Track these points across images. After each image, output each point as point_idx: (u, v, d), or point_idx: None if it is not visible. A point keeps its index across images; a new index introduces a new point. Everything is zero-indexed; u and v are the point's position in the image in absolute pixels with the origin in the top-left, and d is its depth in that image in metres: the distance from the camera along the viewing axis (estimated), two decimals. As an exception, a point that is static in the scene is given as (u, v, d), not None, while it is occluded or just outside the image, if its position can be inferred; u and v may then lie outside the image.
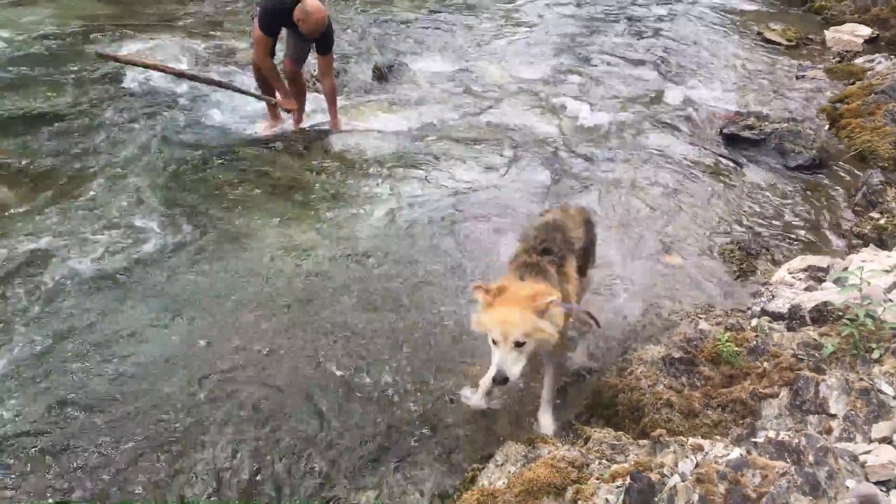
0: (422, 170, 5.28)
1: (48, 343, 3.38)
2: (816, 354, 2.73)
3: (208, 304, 3.72)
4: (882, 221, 4.64)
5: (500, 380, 2.51)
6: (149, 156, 5.10)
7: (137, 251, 4.09)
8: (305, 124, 5.80)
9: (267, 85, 5.63)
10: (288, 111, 5.69)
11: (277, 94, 5.63)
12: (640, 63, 7.80)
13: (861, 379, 2.59)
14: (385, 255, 4.22)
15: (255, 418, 3.06)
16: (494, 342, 2.55)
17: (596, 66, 7.67)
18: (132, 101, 5.82)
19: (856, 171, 5.69)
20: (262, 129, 5.71)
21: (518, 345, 2.52)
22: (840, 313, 2.88)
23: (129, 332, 3.50)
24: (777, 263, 4.44)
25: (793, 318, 3.13)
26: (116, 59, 5.61)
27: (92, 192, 4.58)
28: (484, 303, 2.59)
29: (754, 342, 2.88)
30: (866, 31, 8.74)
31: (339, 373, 3.35)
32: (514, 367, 2.52)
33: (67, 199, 4.48)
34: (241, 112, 5.90)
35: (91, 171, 4.83)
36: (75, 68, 6.27)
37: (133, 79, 6.13)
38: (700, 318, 3.67)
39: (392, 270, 4.10)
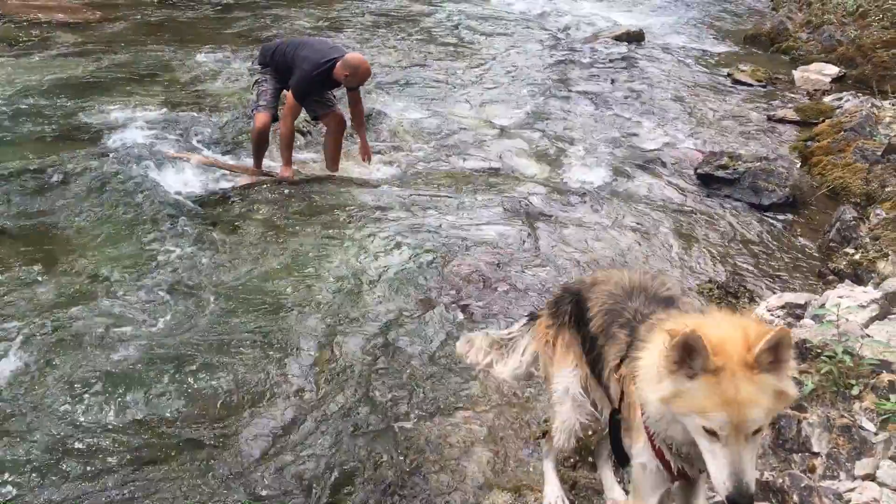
0: (405, 217, 5.30)
1: None
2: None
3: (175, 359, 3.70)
4: (857, 256, 4.70)
5: (744, 496, 1.60)
6: (127, 213, 5.08)
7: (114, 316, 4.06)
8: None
9: (262, 151, 5.80)
10: (285, 180, 5.72)
11: (259, 163, 5.86)
12: (614, 105, 7.92)
13: (842, 416, 2.61)
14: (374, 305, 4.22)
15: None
16: (711, 432, 1.63)
17: (570, 108, 7.78)
18: (110, 159, 5.80)
19: (829, 207, 5.79)
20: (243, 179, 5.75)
21: (757, 431, 1.64)
22: (818, 350, 2.91)
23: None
24: (755, 301, 4.49)
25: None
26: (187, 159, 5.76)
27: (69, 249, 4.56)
28: (704, 366, 1.62)
29: (735, 382, 2.89)
30: (833, 69, 8.95)
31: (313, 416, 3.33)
32: (753, 468, 1.65)
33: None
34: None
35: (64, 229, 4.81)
36: (56, 126, 6.26)
37: (114, 138, 6.09)
38: (682, 357, 3.69)
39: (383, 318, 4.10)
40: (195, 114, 6.76)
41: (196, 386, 3.51)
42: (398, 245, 4.85)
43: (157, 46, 8.60)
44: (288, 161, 5.75)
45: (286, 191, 5.58)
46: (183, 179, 5.61)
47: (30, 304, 4.00)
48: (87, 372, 3.52)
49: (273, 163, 5.93)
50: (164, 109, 6.75)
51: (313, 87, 5.62)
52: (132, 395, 3.41)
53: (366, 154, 6.00)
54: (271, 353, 3.76)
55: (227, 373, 3.59)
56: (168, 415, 3.33)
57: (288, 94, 5.63)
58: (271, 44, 5.94)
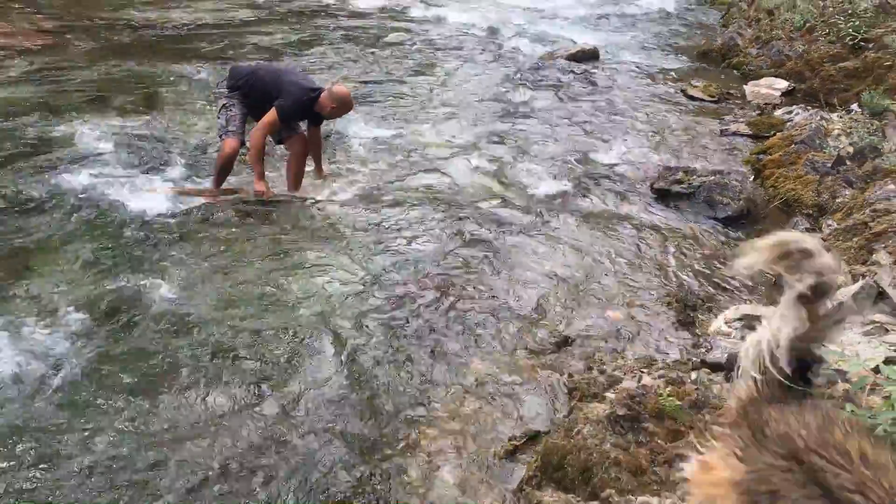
0: (366, 237, 5.29)
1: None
2: (755, 404, 2.78)
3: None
4: (810, 267, 4.78)
5: None
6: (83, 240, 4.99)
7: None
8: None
9: (225, 176, 5.76)
10: (260, 194, 5.72)
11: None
12: (570, 122, 8.01)
13: (800, 426, 2.64)
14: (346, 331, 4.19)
15: None
16: None
17: (527, 126, 7.84)
18: (67, 180, 5.71)
19: (783, 218, 5.90)
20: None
21: None
22: (775, 362, 2.94)
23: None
24: (714, 313, 4.55)
25: (731, 368, 3.19)
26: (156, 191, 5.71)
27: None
28: None
29: (695, 395, 2.92)
30: (783, 83, 9.15)
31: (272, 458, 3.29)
32: None
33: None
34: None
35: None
36: (9, 149, 6.15)
37: (71, 160, 6.01)
38: (643, 372, 3.73)
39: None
40: (157, 135, 6.71)
41: (138, 418, 3.44)
42: (360, 265, 4.84)
43: (116, 69, 8.52)
44: (261, 175, 5.74)
45: (246, 212, 5.53)
46: (140, 200, 5.55)
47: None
48: (28, 408, 3.44)
49: (233, 178, 5.91)
50: (125, 132, 6.68)
51: (298, 113, 5.74)
52: (67, 436, 3.34)
53: (320, 174, 6.18)
54: (230, 378, 3.71)
55: (179, 400, 3.53)
56: (117, 452, 3.27)
57: (270, 113, 5.60)
58: (242, 67, 5.92)
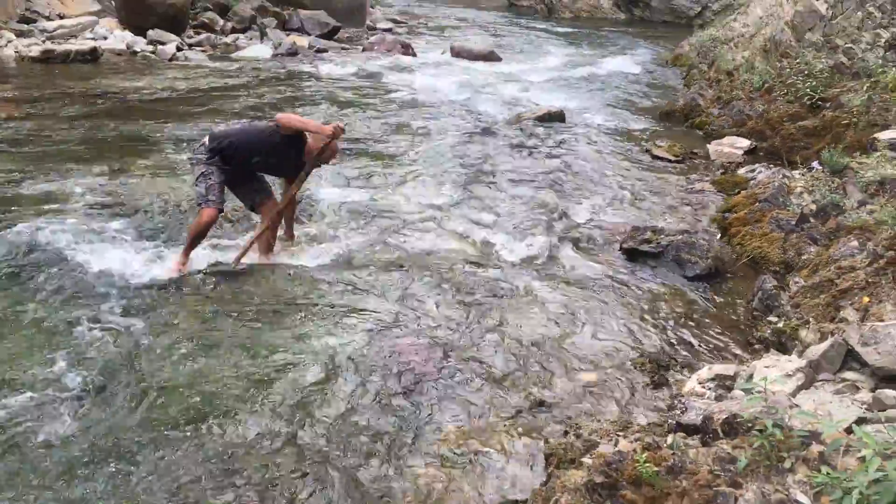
0: (340, 303, 5.24)
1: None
2: (732, 468, 2.78)
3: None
4: (780, 325, 4.84)
5: None
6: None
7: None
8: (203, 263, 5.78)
9: (197, 244, 5.72)
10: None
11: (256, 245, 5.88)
12: (539, 183, 8.10)
13: (777, 490, 2.64)
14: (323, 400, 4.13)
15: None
16: None
17: (497, 188, 7.93)
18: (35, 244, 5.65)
19: (751, 276, 5.98)
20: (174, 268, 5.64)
21: None
22: (749, 425, 2.95)
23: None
24: (687, 373, 4.57)
25: (706, 431, 3.19)
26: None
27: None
28: None
29: (672, 460, 2.91)
30: (745, 142, 9.38)
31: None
32: None
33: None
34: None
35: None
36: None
37: (41, 226, 5.95)
38: (619, 435, 3.71)
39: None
40: (128, 200, 6.72)
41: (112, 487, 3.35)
42: (331, 332, 4.80)
43: (85, 136, 8.54)
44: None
45: (217, 282, 5.47)
46: (111, 266, 5.52)
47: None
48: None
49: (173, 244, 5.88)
50: (96, 197, 6.67)
51: (290, 164, 5.79)
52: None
53: (291, 238, 6.21)
54: (196, 450, 3.63)
55: (151, 468, 3.44)
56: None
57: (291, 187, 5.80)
58: (219, 132, 5.83)
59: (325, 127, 5.71)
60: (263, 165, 5.87)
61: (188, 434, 3.76)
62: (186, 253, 5.68)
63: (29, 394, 3.99)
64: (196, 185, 5.65)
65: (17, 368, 4.22)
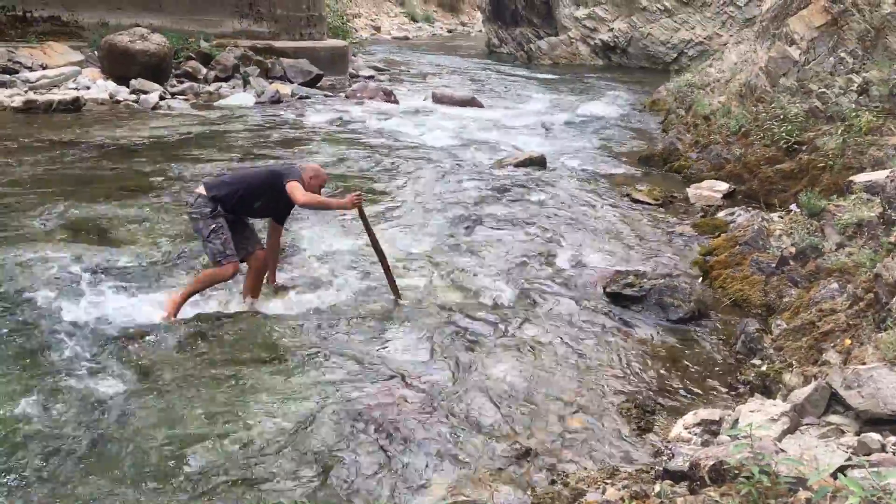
0: (324, 353, 5.21)
1: None
2: (720, 517, 2.76)
3: None
4: (764, 368, 4.86)
5: None
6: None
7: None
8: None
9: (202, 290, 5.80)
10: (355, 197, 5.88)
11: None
12: (521, 229, 8.16)
13: (765, 538, 2.63)
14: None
15: None
16: None
17: (481, 234, 7.97)
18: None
19: (734, 319, 6.02)
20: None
21: None
22: (736, 472, 2.95)
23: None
24: (673, 418, 4.56)
25: (693, 478, 3.18)
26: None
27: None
28: None
29: (660, 509, 2.89)
30: (724, 186, 9.51)
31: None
32: None
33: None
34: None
35: None
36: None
37: (25, 280, 5.90)
38: (606, 483, 3.69)
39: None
40: (108, 248, 6.68)
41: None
42: (315, 381, 4.76)
43: (65, 184, 8.50)
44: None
45: (202, 327, 5.42)
46: (91, 313, 5.50)
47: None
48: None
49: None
50: (83, 252, 6.62)
51: (287, 204, 5.78)
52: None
53: (274, 282, 6.22)
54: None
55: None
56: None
57: (292, 187, 5.56)
58: (213, 181, 5.81)
59: (346, 202, 5.81)
60: (263, 210, 5.93)
61: (156, 487, 3.70)
62: (185, 299, 5.64)
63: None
64: (209, 242, 5.57)
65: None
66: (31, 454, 3.90)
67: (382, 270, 6.13)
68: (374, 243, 6.10)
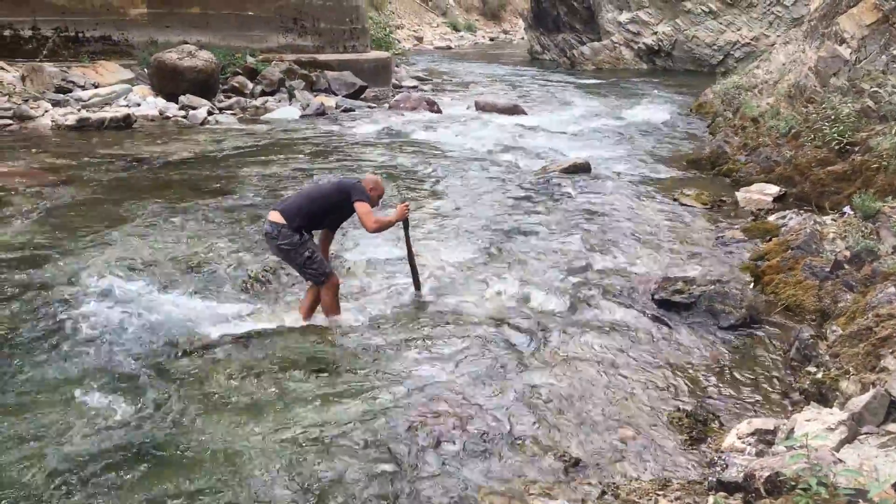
0: (369, 367, 5.23)
1: None
2: (777, 530, 2.70)
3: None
4: (819, 375, 4.73)
5: None
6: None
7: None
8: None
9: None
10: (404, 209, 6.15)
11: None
12: (568, 236, 8.09)
13: (825, 552, 2.56)
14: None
15: None
16: None
17: (527, 242, 7.92)
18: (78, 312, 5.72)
19: (787, 325, 5.88)
20: None
21: None
22: (793, 483, 2.88)
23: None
24: (726, 427, 4.47)
25: (748, 489, 3.12)
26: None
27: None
28: None
29: (714, 522, 2.83)
30: (774, 189, 9.33)
31: None
32: None
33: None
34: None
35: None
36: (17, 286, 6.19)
37: (86, 295, 6.05)
38: (658, 495, 3.64)
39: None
40: (173, 266, 6.84)
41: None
42: (362, 395, 4.77)
43: (122, 205, 8.69)
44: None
45: (251, 342, 5.48)
46: (147, 321, 5.65)
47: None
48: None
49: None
50: (140, 264, 6.79)
51: (348, 214, 5.96)
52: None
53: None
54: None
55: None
56: None
57: (360, 206, 5.70)
58: (289, 208, 5.76)
59: (399, 214, 6.05)
60: (329, 224, 6.09)
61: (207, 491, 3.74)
62: (338, 310, 5.95)
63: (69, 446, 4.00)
64: (307, 268, 5.74)
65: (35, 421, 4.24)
66: (82, 459, 3.98)
67: (409, 268, 6.42)
68: (408, 245, 6.35)
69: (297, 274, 6.09)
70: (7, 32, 15.64)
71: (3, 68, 14.35)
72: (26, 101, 13.54)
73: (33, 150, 11.35)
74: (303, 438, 4.27)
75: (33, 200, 8.68)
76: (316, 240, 6.05)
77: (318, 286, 5.85)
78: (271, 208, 6.00)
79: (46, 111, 13.47)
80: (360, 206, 5.71)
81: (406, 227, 6.27)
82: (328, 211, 5.87)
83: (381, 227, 5.94)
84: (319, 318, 5.96)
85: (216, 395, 4.76)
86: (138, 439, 4.24)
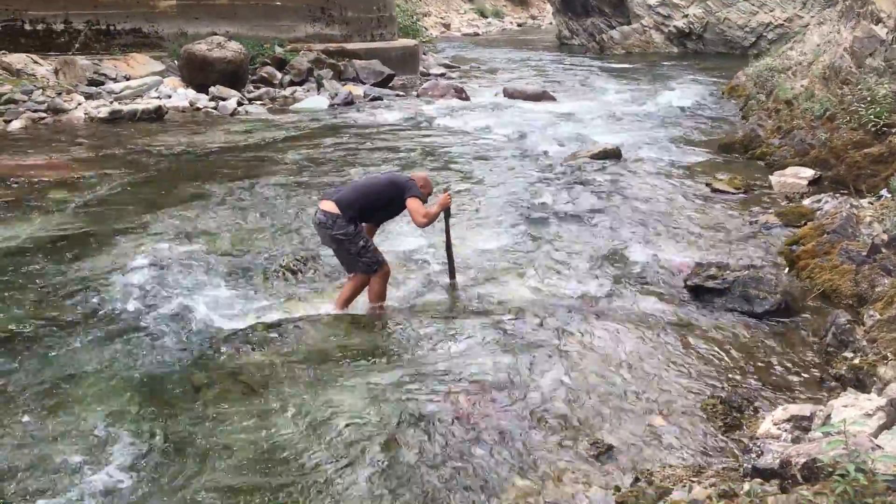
0: (401, 355, 5.25)
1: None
2: (814, 517, 2.67)
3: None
4: (856, 361, 4.67)
5: None
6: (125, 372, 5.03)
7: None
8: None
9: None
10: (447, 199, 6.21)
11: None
12: (598, 222, 8.05)
13: (863, 539, 2.53)
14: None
15: None
16: None
17: (555, 228, 7.89)
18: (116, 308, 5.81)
19: (823, 310, 5.79)
20: None
21: None
22: (830, 469, 2.84)
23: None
24: (760, 414, 4.42)
25: (784, 476, 3.08)
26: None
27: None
28: None
29: (750, 509, 2.81)
30: (809, 172, 9.17)
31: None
32: None
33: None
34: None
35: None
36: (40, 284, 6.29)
37: (121, 287, 6.14)
38: (693, 481, 3.60)
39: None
40: (212, 257, 6.91)
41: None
42: (393, 383, 4.78)
43: (157, 196, 8.80)
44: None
45: (290, 331, 5.53)
46: (185, 311, 5.73)
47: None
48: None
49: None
50: (177, 256, 6.87)
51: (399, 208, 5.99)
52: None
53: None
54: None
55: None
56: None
57: (412, 202, 5.76)
58: (344, 199, 5.76)
59: (441, 204, 6.08)
60: (380, 218, 6.17)
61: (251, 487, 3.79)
62: (383, 298, 6.01)
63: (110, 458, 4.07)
64: (361, 258, 5.80)
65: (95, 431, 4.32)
66: (120, 450, 4.05)
67: (446, 256, 6.46)
68: (447, 235, 6.36)
69: (340, 264, 6.09)
70: (40, 26, 15.86)
71: (36, 62, 14.57)
72: (59, 94, 13.74)
73: (67, 143, 11.52)
74: (343, 426, 4.29)
75: (69, 193, 8.82)
76: None
77: (369, 275, 5.88)
78: (322, 197, 6.04)
79: (79, 104, 13.65)
80: (413, 202, 5.77)
81: (447, 217, 6.30)
82: (381, 206, 5.91)
83: (430, 221, 5.93)
84: (357, 306, 5.99)
85: (252, 383, 4.80)
86: (172, 428, 4.31)
